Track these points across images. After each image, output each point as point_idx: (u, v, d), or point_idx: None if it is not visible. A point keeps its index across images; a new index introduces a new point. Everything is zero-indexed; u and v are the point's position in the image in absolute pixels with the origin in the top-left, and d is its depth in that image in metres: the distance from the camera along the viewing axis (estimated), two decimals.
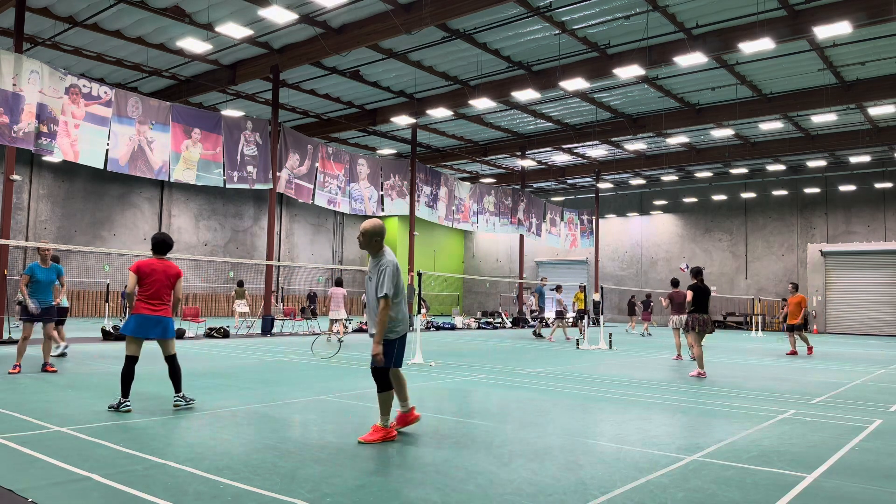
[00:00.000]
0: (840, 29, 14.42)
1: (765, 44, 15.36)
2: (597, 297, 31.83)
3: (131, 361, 6.80)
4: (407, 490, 4.24)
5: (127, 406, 6.72)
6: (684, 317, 14.40)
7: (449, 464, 4.92)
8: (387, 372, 5.82)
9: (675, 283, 15.19)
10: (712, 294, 31.08)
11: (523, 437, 5.90)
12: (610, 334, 18.26)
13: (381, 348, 5.65)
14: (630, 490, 4.37)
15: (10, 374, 9.40)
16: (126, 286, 7.46)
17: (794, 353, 16.41)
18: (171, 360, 7.03)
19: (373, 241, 5.83)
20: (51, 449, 5.03)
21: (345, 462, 4.90)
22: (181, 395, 6.98)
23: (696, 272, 11.75)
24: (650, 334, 25.29)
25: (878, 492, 4.49)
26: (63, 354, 11.92)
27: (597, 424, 6.68)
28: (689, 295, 11.49)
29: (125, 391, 6.74)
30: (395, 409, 6.13)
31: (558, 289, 21.85)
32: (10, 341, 14.22)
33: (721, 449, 5.62)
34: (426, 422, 6.58)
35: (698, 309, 11.47)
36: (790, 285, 16.78)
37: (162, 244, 7.09)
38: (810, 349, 16.59)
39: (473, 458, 5.12)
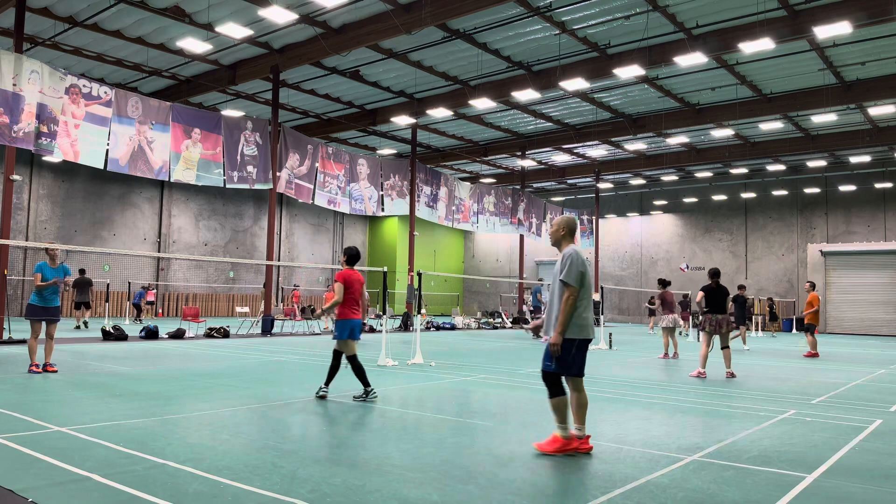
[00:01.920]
0: (840, 29, 14.41)
1: (765, 44, 15.36)
2: (597, 297, 31.85)
3: (355, 358, 7.81)
4: (407, 490, 4.24)
5: (375, 394, 7.77)
6: (674, 316, 14.34)
7: (449, 464, 4.92)
8: (558, 377, 5.37)
9: (663, 283, 14.97)
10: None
11: (523, 437, 5.90)
12: (610, 334, 18.26)
13: (561, 339, 5.24)
14: (630, 490, 4.37)
15: (30, 372, 9.54)
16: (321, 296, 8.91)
17: (812, 355, 15.71)
18: (353, 360, 7.86)
19: (559, 234, 5.63)
20: (51, 449, 5.03)
21: (345, 462, 4.91)
22: (370, 388, 7.86)
23: (712, 273, 11.84)
24: (688, 334, 25.39)
25: (878, 492, 4.49)
26: None
27: (597, 424, 6.68)
28: (700, 296, 11.57)
29: (364, 380, 7.79)
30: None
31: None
32: (10, 341, 14.23)
33: (721, 449, 5.62)
34: (426, 421, 6.58)
35: (712, 309, 11.51)
36: (807, 283, 16.41)
37: (357, 256, 8.05)
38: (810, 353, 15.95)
39: (473, 458, 5.12)
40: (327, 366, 11.75)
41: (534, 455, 5.26)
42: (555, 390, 5.39)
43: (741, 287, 18.70)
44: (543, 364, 5.43)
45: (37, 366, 9.66)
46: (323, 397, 7.86)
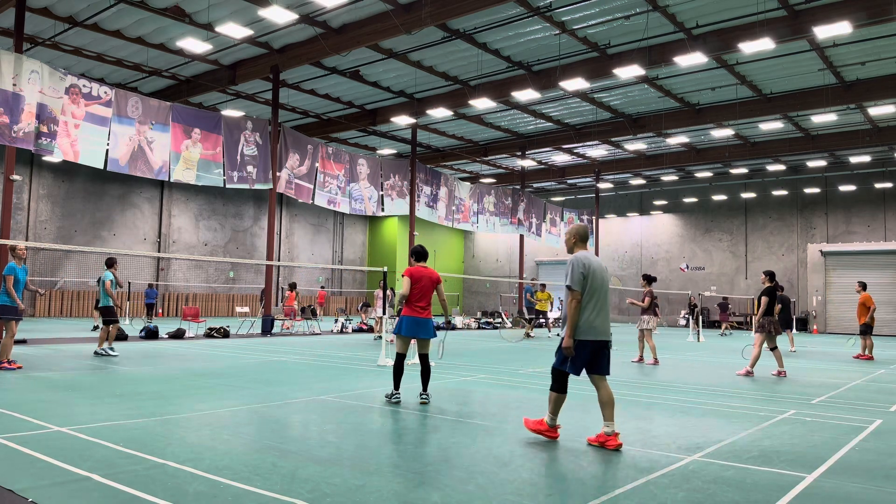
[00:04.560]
0: (840, 29, 14.41)
1: (765, 44, 15.35)
2: None
3: (401, 358, 7.66)
4: (407, 490, 4.24)
5: (397, 397, 7.59)
6: (648, 317, 13.55)
7: (449, 464, 4.92)
8: (562, 374, 5.70)
9: (650, 279, 13.89)
10: (708, 294, 30.42)
11: (523, 438, 5.90)
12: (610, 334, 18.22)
13: (572, 341, 5.56)
14: (630, 490, 4.37)
15: (11, 368, 9.66)
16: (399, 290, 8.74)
17: (863, 357, 15.72)
18: (424, 360, 7.77)
19: (570, 243, 6.00)
20: (51, 449, 5.03)
21: (345, 462, 4.90)
22: (427, 393, 7.71)
23: (769, 276, 11.96)
24: (730, 333, 26.81)
25: (878, 492, 4.49)
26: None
27: (597, 424, 6.68)
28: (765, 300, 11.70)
29: (396, 384, 7.65)
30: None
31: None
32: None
33: (721, 449, 5.62)
34: (426, 422, 6.58)
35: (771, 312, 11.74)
36: (857, 284, 16.19)
37: (424, 252, 7.92)
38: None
39: (473, 458, 5.12)
40: (325, 366, 11.78)
41: (534, 455, 5.26)
42: (556, 385, 5.74)
43: (780, 288, 18.12)
44: (555, 360, 5.76)
45: (11, 362, 9.87)
46: (424, 403, 7.68)
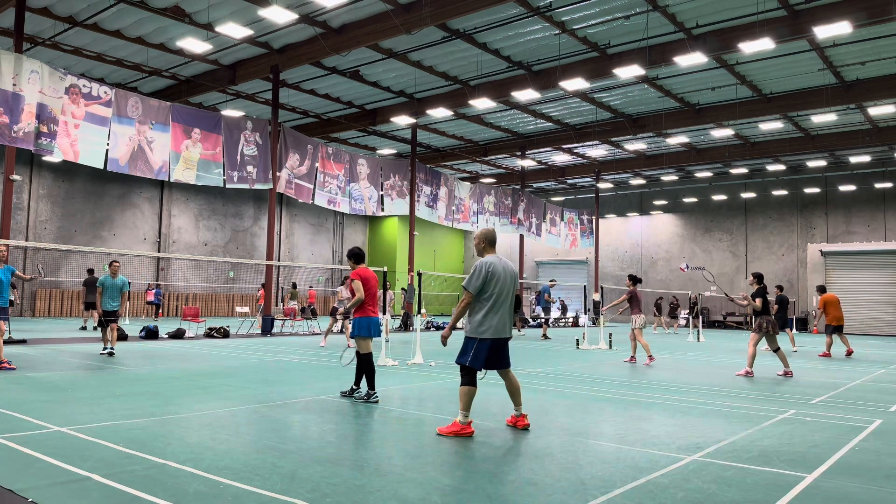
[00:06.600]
0: (840, 29, 14.41)
1: (765, 44, 15.36)
2: (596, 296, 31.85)
3: (370, 357, 7.82)
4: (407, 490, 4.24)
5: (376, 397, 7.70)
6: (636, 316, 13.56)
7: (449, 464, 4.92)
8: (469, 369, 6.02)
9: (634, 279, 13.84)
10: (709, 294, 30.49)
11: (523, 437, 5.90)
12: (610, 334, 18.25)
13: (449, 333, 6.09)
14: (630, 490, 4.37)
15: (10, 368, 9.73)
16: (344, 295, 8.76)
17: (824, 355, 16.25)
18: (369, 358, 7.88)
19: (479, 247, 6.31)
20: (51, 449, 5.03)
21: (345, 462, 4.91)
22: (357, 388, 7.96)
23: (758, 277, 11.98)
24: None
25: (878, 492, 4.49)
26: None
27: (597, 424, 6.68)
28: (759, 301, 11.66)
29: (371, 384, 7.74)
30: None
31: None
32: (11, 341, 14.23)
33: (721, 449, 5.62)
34: (426, 421, 6.59)
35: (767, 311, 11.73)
36: (817, 288, 16.65)
37: (363, 254, 8.15)
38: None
39: (473, 457, 5.13)
40: (325, 366, 11.78)
41: (534, 455, 5.27)
42: (465, 379, 6.04)
43: (780, 287, 18.16)
44: (458, 356, 6.13)
45: (8, 362, 9.92)
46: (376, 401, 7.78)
